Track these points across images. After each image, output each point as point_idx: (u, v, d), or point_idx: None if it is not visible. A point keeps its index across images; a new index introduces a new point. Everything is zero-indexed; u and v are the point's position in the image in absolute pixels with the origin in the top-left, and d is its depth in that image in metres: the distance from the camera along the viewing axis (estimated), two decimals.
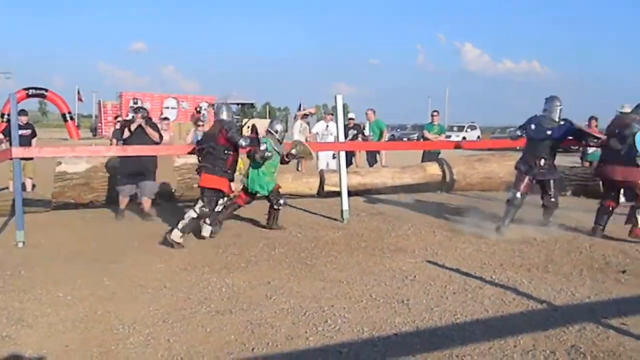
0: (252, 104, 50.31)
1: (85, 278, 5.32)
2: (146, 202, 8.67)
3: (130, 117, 9.82)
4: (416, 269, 5.66)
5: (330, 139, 12.15)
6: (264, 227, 7.77)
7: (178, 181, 9.81)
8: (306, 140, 13.22)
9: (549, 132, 7.37)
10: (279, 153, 7.73)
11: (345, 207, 8.32)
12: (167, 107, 35.95)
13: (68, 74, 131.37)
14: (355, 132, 12.67)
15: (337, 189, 8.84)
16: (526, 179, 7.40)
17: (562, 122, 7.44)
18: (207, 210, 6.81)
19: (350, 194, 8.75)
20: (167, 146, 9.44)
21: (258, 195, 7.77)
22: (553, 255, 6.21)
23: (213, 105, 39.92)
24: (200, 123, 12.52)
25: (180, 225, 6.60)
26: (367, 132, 12.99)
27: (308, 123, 14.31)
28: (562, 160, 11.46)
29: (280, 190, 7.79)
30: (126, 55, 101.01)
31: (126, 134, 8.31)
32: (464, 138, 35.15)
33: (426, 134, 12.77)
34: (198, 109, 31.33)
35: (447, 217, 8.43)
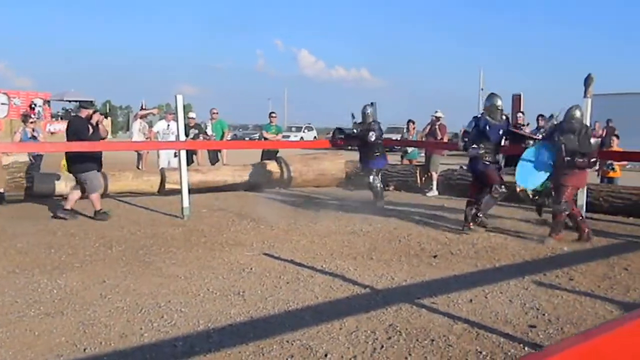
0: (90, 101, 47.67)
1: None
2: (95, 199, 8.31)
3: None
4: (253, 261, 5.82)
5: (172, 137, 12.05)
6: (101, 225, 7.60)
7: (7, 180, 9.29)
8: (146, 138, 13.07)
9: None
10: None
11: (186, 204, 8.35)
12: None
13: None
14: (196, 131, 12.70)
15: (178, 187, 8.83)
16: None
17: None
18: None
19: (191, 191, 8.77)
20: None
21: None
22: (376, 244, 6.68)
23: (48, 101, 37.66)
24: (31, 120, 11.79)
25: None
26: (209, 131, 13.11)
27: (150, 122, 14.16)
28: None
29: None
30: None
31: (91, 130, 8.14)
32: (301, 138, 36.95)
33: (265, 134, 13.31)
34: (32, 105, 29.30)
35: (284, 211, 8.74)
